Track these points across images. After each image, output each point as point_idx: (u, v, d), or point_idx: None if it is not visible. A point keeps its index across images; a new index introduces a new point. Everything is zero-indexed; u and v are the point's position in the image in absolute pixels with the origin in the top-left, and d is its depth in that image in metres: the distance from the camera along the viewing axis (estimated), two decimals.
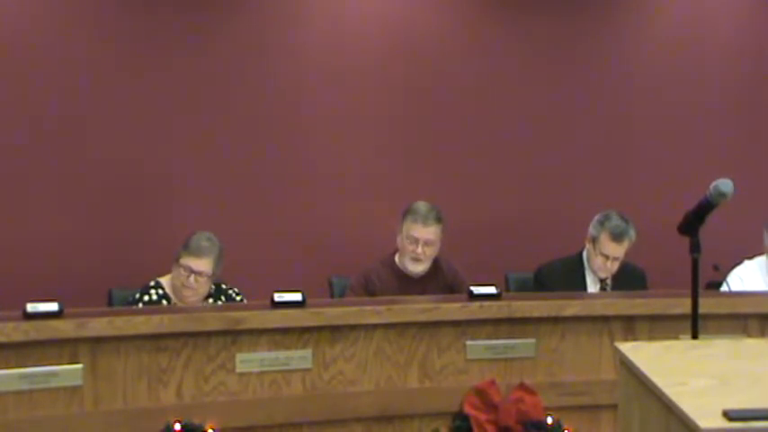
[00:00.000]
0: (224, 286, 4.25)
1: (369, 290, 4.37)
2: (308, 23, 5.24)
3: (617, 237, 4.47)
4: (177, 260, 4.07)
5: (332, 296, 4.59)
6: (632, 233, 4.50)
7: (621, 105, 5.67)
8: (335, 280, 4.64)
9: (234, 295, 4.24)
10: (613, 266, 4.53)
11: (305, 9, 5.25)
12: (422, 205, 4.40)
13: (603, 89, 5.65)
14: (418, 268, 4.40)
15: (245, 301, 4.25)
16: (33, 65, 4.83)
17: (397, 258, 4.47)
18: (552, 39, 5.55)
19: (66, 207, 4.88)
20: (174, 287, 4.11)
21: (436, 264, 4.46)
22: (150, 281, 4.15)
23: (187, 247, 4.06)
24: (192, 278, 4.03)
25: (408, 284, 4.40)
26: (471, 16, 5.47)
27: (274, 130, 5.18)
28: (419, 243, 4.35)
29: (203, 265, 4.04)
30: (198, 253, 4.04)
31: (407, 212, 4.40)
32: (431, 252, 4.39)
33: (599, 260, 4.51)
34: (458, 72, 5.44)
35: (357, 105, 5.29)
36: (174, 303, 4.08)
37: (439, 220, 4.38)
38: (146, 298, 4.09)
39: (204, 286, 4.09)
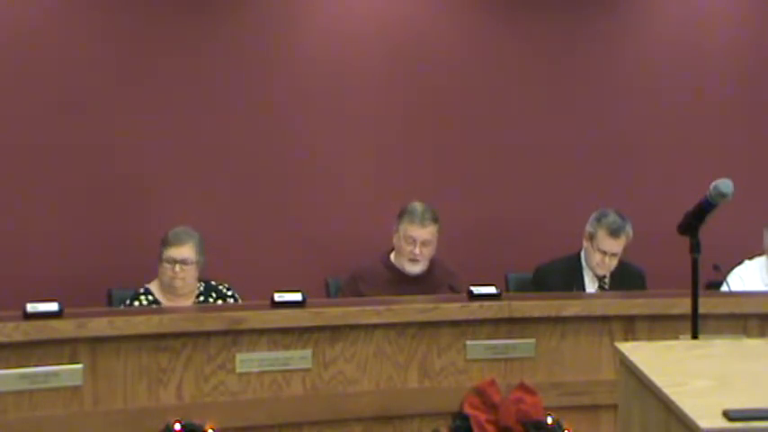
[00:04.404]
0: (213, 283, 4.28)
1: (357, 289, 4.38)
2: (307, 23, 5.23)
3: (614, 232, 4.50)
4: (160, 258, 4.14)
5: (328, 296, 4.60)
6: (629, 229, 4.53)
7: (622, 105, 5.66)
8: (332, 281, 4.66)
9: (224, 291, 4.26)
10: (611, 263, 4.55)
11: (304, 9, 5.25)
12: (418, 206, 4.43)
13: (603, 89, 5.64)
14: (416, 269, 4.42)
15: (236, 295, 4.28)
16: (33, 65, 4.82)
17: (392, 257, 4.50)
18: (552, 38, 5.55)
19: (67, 207, 4.87)
20: (163, 285, 4.14)
21: (431, 262, 4.48)
22: (140, 288, 4.17)
23: (166, 241, 4.15)
24: (177, 267, 4.09)
25: (403, 283, 4.41)
26: (470, 16, 5.46)
27: (273, 131, 5.17)
28: (417, 243, 4.38)
29: (185, 251, 4.11)
30: (177, 242, 4.13)
31: (404, 213, 4.43)
32: (428, 252, 4.42)
33: (597, 256, 4.53)
34: (457, 72, 5.43)
35: (355, 106, 5.28)
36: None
37: (435, 219, 4.42)
38: (135, 304, 4.10)
39: (191, 274, 4.14)
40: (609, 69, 5.65)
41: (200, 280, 4.23)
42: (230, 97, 5.11)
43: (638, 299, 3.95)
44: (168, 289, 4.13)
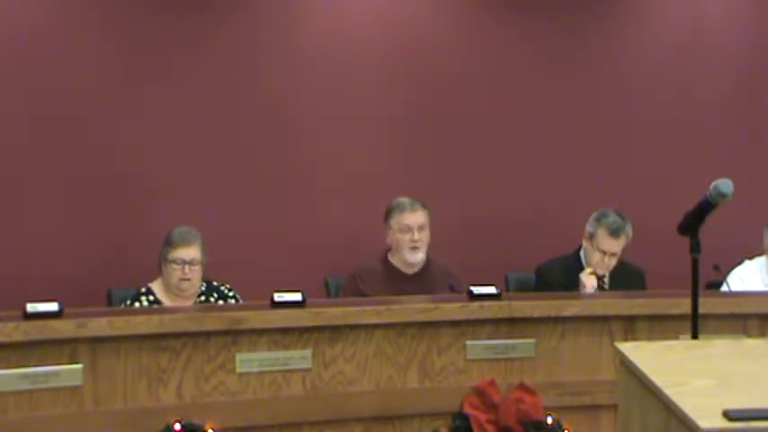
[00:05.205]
0: (215, 283, 4.27)
1: (356, 289, 4.40)
2: (307, 23, 5.23)
3: (614, 232, 4.51)
4: (165, 259, 4.11)
5: (328, 296, 4.60)
6: (629, 229, 4.54)
7: (622, 105, 5.67)
8: (332, 280, 4.66)
9: (226, 291, 4.26)
10: (611, 262, 4.56)
11: (305, 8, 5.25)
12: (404, 198, 4.52)
13: (603, 89, 5.65)
14: (418, 256, 4.45)
15: (237, 296, 4.27)
16: (33, 65, 4.82)
17: (390, 256, 4.51)
18: (552, 39, 5.55)
19: (66, 207, 4.87)
20: (168, 287, 4.13)
21: (427, 260, 4.51)
22: (141, 287, 4.16)
23: (171, 242, 4.11)
24: (186, 268, 4.08)
25: (401, 282, 4.44)
26: (471, 16, 5.46)
27: (272, 131, 5.17)
28: (413, 230, 4.42)
29: (193, 252, 4.10)
30: (184, 243, 4.10)
31: (392, 208, 4.50)
32: (425, 238, 4.47)
33: (596, 256, 4.54)
34: (457, 72, 5.43)
35: (355, 105, 5.28)
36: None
37: (424, 205, 4.50)
38: (137, 305, 4.09)
39: (198, 275, 4.13)
40: (609, 69, 5.66)
41: (201, 280, 4.22)
42: (230, 97, 5.11)
43: (638, 299, 3.95)
44: (175, 290, 4.11)
